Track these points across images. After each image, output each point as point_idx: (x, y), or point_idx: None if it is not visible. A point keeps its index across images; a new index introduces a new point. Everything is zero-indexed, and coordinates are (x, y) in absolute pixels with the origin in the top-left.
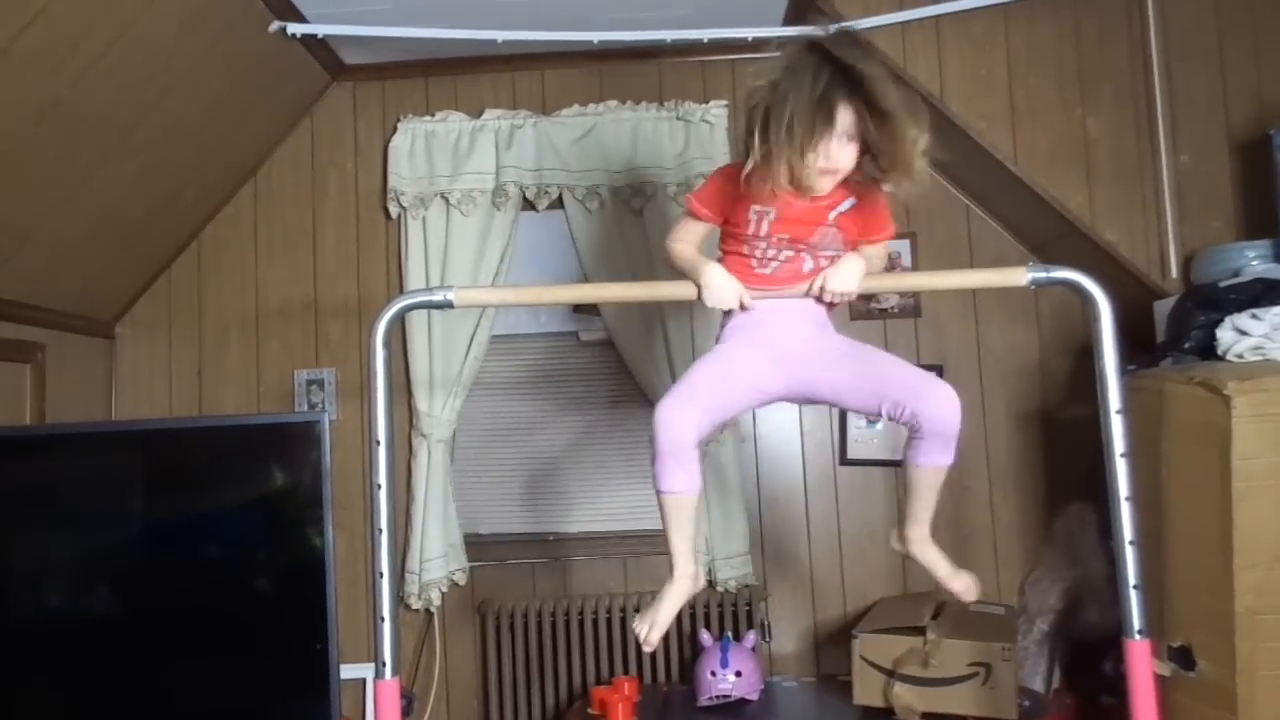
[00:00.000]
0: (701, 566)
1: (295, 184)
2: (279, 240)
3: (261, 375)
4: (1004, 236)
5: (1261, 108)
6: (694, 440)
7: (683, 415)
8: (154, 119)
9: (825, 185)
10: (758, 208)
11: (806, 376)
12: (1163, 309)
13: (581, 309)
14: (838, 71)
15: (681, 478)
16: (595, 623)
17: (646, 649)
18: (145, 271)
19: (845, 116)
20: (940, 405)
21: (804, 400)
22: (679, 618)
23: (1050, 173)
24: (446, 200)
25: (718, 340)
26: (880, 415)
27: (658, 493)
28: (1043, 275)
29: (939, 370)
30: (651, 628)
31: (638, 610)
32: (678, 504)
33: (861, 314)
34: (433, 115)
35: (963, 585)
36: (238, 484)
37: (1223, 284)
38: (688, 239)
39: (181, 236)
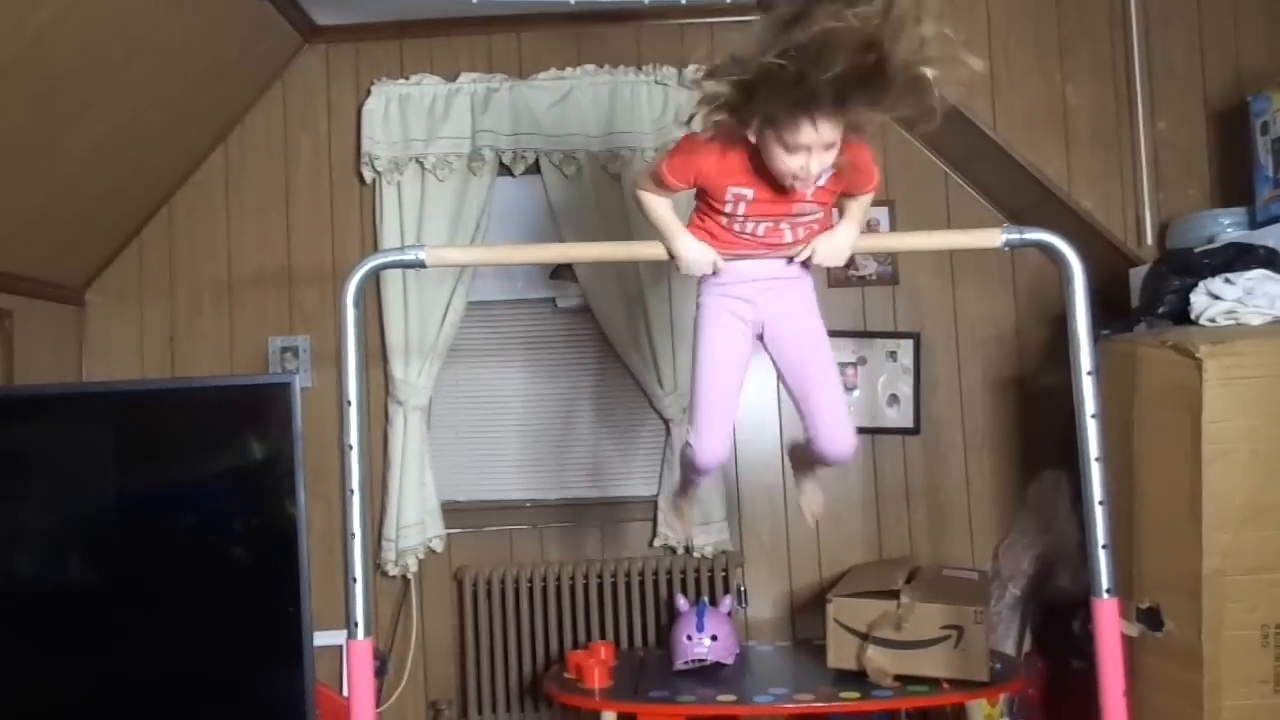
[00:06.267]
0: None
1: (267, 148)
2: (251, 206)
3: (235, 343)
4: (982, 204)
5: (1239, 75)
6: (726, 453)
7: (713, 445)
8: (121, 80)
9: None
10: (735, 189)
11: (775, 333)
12: (1138, 276)
13: (558, 275)
14: (820, 77)
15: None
16: (572, 589)
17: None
18: (115, 237)
19: (826, 129)
20: (830, 448)
21: (760, 346)
22: (655, 583)
23: (1029, 139)
24: (421, 165)
25: (699, 298)
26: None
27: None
28: (1017, 236)
29: (916, 338)
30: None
31: (614, 577)
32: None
33: (840, 281)
34: (407, 78)
35: (806, 503)
36: (209, 448)
37: (1197, 250)
38: (658, 197)
39: (152, 202)
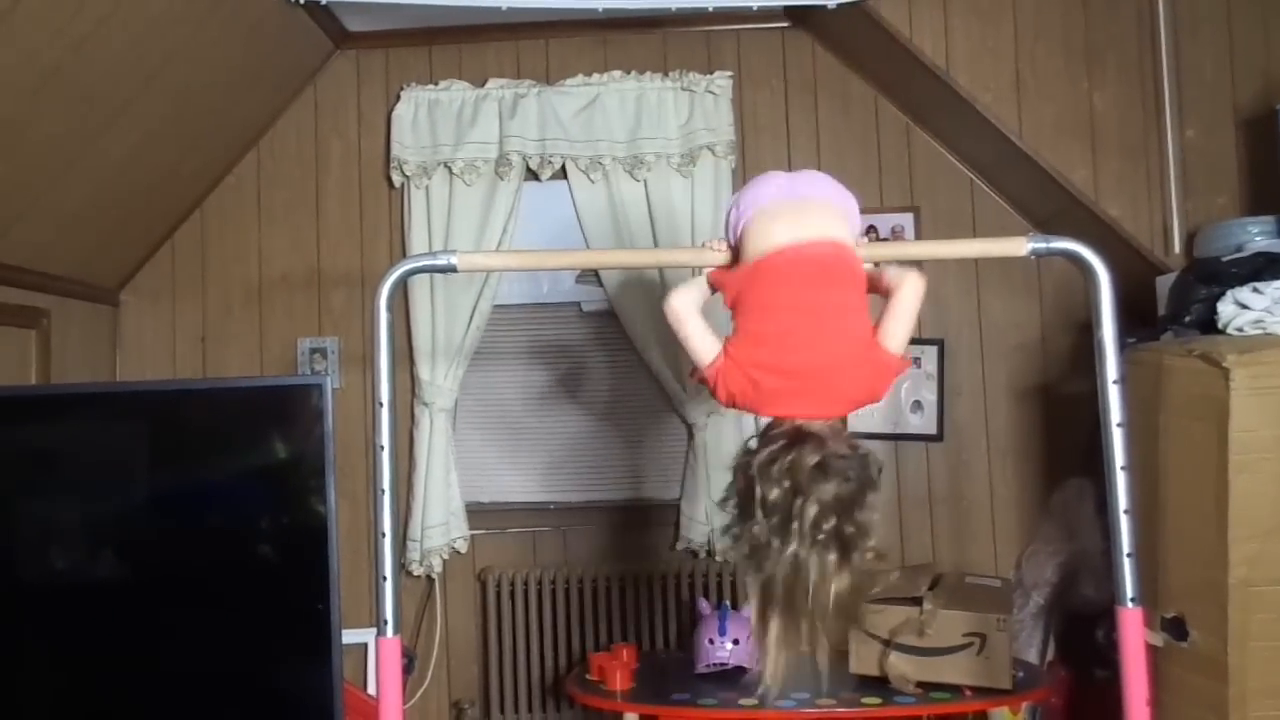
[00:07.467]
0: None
1: (298, 153)
2: (281, 209)
3: (265, 343)
4: (1008, 211)
5: (1268, 82)
6: None
7: None
8: (157, 86)
9: None
10: None
11: None
12: (1165, 284)
13: (584, 279)
14: None
15: None
16: (595, 591)
17: None
18: (149, 239)
19: None
20: None
21: None
22: (677, 586)
23: (1055, 146)
24: (450, 169)
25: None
26: None
27: None
28: (1042, 245)
29: (940, 344)
30: None
31: (636, 579)
32: None
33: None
34: (436, 84)
35: None
36: (241, 447)
37: (1225, 258)
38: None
39: (185, 205)
